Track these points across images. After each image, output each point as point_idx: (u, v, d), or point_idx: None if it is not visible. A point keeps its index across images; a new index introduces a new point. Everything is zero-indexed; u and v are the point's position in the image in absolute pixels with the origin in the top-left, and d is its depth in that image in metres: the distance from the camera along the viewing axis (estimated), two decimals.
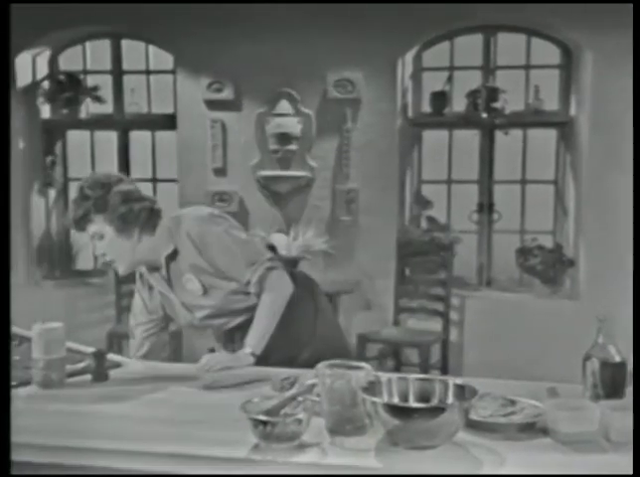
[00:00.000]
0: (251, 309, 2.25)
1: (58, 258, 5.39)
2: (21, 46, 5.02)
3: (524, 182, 4.98)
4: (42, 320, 1.95)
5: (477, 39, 4.87)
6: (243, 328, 2.25)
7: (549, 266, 4.77)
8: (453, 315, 4.79)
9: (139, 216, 2.20)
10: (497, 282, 5.04)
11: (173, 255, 2.27)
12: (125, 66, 5.31)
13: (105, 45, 5.29)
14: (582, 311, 4.51)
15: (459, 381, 1.60)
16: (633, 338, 1.75)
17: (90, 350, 2.11)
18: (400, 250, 4.83)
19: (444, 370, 4.57)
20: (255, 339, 2.16)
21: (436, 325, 4.67)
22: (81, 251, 5.47)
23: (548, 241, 4.92)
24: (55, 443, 1.59)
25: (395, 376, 1.67)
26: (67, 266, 5.42)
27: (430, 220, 5.10)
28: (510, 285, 5.00)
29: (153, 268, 2.33)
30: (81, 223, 2.19)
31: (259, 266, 2.22)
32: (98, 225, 2.18)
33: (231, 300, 2.27)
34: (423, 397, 1.59)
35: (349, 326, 4.80)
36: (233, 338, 2.34)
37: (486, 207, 5.00)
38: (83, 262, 5.46)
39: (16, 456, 1.55)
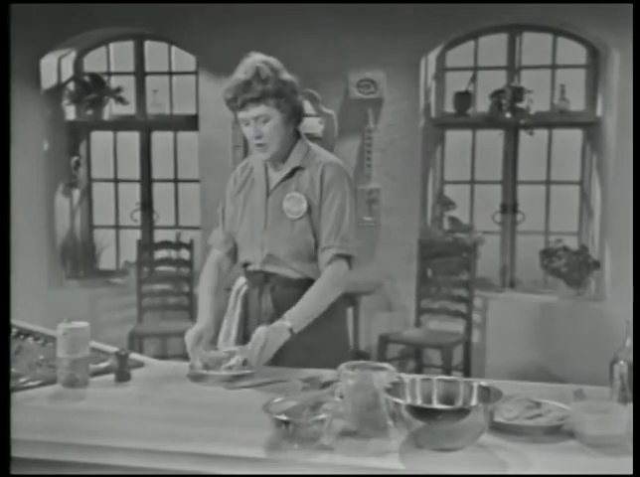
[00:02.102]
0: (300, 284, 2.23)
1: (81, 258, 5.43)
2: (46, 48, 5.09)
3: (548, 183, 4.93)
4: (67, 319, 1.95)
5: (502, 38, 4.83)
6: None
7: (574, 268, 4.71)
8: (476, 317, 4.75)
9: (302, 110, 2.25)
10: (520, 284, 4.99)
11: (294, 171, 2.26)
12: (148, 67, 5.34)
13: (129, 46, 5.33)
14: (608, 313, 4.47)
15: (484, 382, 1.58)
16: (633, 337, 1.71)
17: (114, 349, 2.12)
18: (423, 251, 4.80)
19: (467, 371, 4.53)
20: (299, 317, 2.13)
21: (458, 326, 4.64)
22: (104, 251, 5.52)
23: (572, 243, 4.86)
24: (76, 442, 1.60)
25: (418, 377, 1.66)
26: (90, 266, 5.46)
27: (453, 220, 5.06)
28: (534, 287, 4.95)
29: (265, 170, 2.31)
30: (249, 103, 2.15)
31: (347, 245, 2.22)
32: (269, 108, 2.16)
33: (301, 251, 2.24)
34: (447, 398, 1.57)
35: (370, 327, 4.80)
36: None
37: (510, 208, 4.95)
38: (106, 262, 5.50)
39: (35, 454, 1.57)
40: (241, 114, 2.19)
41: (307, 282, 2.23)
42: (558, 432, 1.56)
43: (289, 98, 2.19)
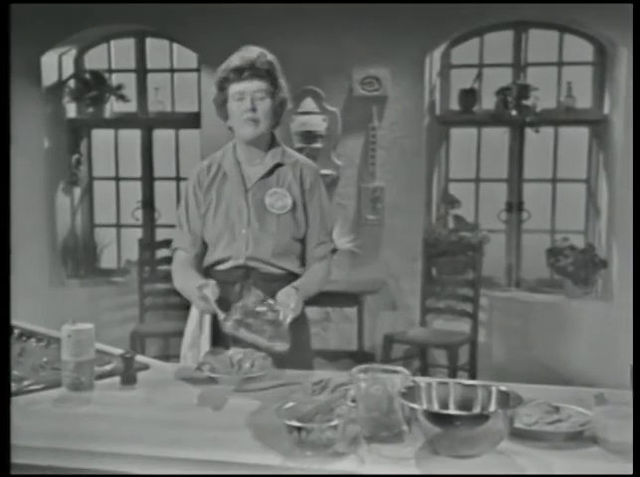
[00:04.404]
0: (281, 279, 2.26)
1: (82, 257, 5.38)
2: (47, 45, 5.04)
3: (554, 181, 4.89)
4: (72, 320, 1.90)
5: (508, 35, 4.79)
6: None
7: (580, 267, 4.66)
8: (481, 316, 4.71)
9: (283, 111, 2.34)
10: (526, 283, 4.95)
11: (275, 167, 2.31)
12: (149, 64, 5.30)
13: (130, 43, 5.28)
14: (615, 313, 4.43)
15: (503, 387, 1.53)
16: (633, 337, 1.67)
17: (118, 351, 2.07)
18: (427, 250, 4.76)
19: (473, 372, 4.49)
20: (306, 286, 2.22)
21: (463, 326, 4.60)
22: (105, 250, 5.47)
23: (578, 241, 4.82)
24: (82, 448, 1.55)
25: (434, 380, 1.61)
26: (91, 265, 5.42)
27: (458, 219, 5.02)
28: (539, 286, 4.90)
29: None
30: (254, 77, 2.22)
31: (334, 241, 2.39)
32: (268, 87, 2.24)
33: (284, 245, 2.29)
34: (465, 403, 1.53)
35: (374, 326, 4.76)
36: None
37: (515, 206, 4.91)
38: (108, 261, 5.46)
39: (39, 461, 1.52)
40: (239, 86, 2.23)
41: (288, 277, 2.28)
42: (579, 438, 1.51)
43: (282, 90, 2.29)
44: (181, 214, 2.40)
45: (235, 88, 2.24)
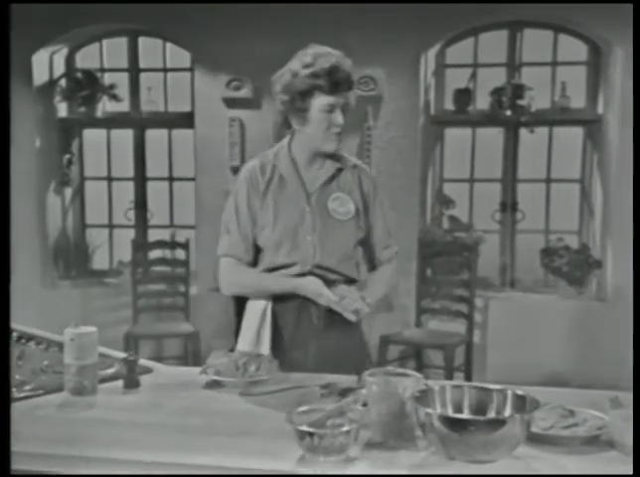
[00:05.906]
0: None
1: (74, 258, 5.33)
2: (38, 44, 4.98)
3: (549, 181, 4.89)
4: (74, 323, 1.86)
5: (502, 35, 4.79)
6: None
7: (575, 267, 4.67)
8: (476, 316, 4.71)
9: None
10: (521, 283, 4.95)
11: (338, 172, 2.25)
12: (142, 63, 5.25)
13: (122, 42, 5.23)
14: (609, 313, 4.44)
15: (519, 391, 1.51)
16: (633, 337, 1.66)
17: (121, 354, 2.04)
18: (422, 250, 4.75)
19: (468, 372, 4.48)
20: (373, 295, 2.18)
21: (458, 326, 4.59)
22: (97, 251, 5.42)
23: (573, 242, 4.83)
24: (86, 454, 1.52)
25: (448, 384, 1.59)
26: (83, 266, 5.36)
27: (452, 219, 5.01)
28: (534, 286, 4.91)
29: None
30: (346, 90, 2.13)
31: (394, 245, 2.36)
32: (351, 97, 2.16)
33: (347, 251, 2.23)
34: (479, 407, 1.51)
35: (370, 327, 4.73)
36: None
37: (509, 206, 4.91)
38: (100, 262, 5.40)
39: (42, 467, 1.49)
40: (332, 99, 2.10)
41: (350, 282, 2.24)
42: (596, 442, 1.50)
43: (352, 100, 2.18)
44: (230, 219, 2.26)
45: (325, 100, 2.10)
